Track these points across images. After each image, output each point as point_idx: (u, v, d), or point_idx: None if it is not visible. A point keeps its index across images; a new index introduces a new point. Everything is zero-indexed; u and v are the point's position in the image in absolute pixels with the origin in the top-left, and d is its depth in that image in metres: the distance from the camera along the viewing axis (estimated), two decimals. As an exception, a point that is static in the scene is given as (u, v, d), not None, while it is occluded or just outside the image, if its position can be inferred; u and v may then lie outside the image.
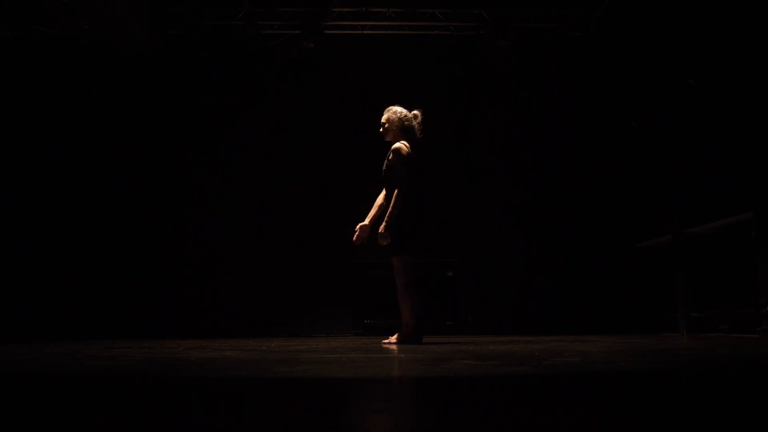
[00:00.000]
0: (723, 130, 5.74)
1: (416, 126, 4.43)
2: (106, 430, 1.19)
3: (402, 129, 4.40)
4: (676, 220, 5.94)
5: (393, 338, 4.33)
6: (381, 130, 4.48)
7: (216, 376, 2.15)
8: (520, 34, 7.33)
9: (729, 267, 5.68)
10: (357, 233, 4.40)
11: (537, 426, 1.20)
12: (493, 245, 7.35)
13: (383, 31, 7.47)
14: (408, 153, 4.30)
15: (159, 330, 6.58)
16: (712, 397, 1.60)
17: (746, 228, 4.97)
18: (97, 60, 7.40)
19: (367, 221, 4.44)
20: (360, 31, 7.43)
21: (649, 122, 6.49)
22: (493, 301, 7.17)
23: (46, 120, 7.39)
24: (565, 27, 7.49)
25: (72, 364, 2.66)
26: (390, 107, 4.50)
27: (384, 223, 4.20)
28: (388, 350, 3.57)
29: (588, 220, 7.39)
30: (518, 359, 2.68)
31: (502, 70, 7.53)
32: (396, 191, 4.22)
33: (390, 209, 4.21)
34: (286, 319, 7.00)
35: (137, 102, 7.53)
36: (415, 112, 4.46)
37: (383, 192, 4.49)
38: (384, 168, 4.39)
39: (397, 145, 4.33)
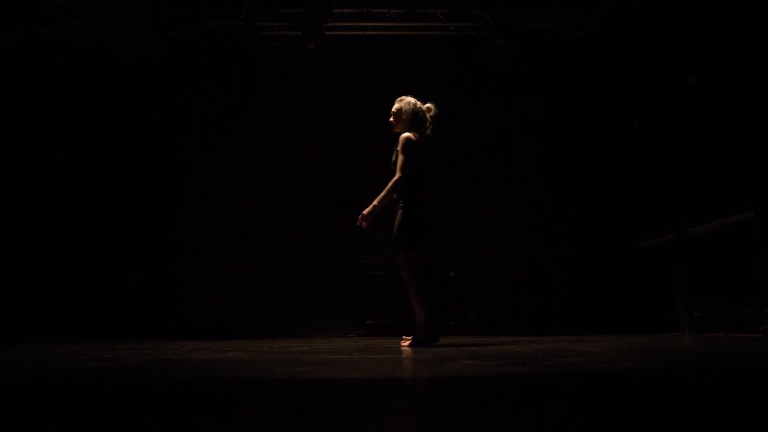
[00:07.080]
0: (724, 128, 5.74)
1: (428, 119, 4.26)
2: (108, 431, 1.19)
3: (413, 120, 4.22)
4: (677, 219, 5.94)
5: (405, 343, 4.09)
6: (391, 119, 4.29)
7: (218, 377, 2.15)
8: (521, 34, 7.33)
9: (731, 266, 5.67)
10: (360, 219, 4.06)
11: (540, 426, 1.20)
12: (495, 246, 7.34)
13: (384, 32, 7.47)
14: (414, 142, 4.11)
15: (161, 331, 6.59)
16: (713, 397, 1.60)
17: (748, 227, 4.97)
18: (97, 62, 7.41)
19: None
20: (361, 32, 7.44)
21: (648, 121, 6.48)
22: (495, 302, 7.16)
23: (47, 121, 7.40)
24: (566, 27, 7.49)
25: (74, 366, 2.66)
26: (402, 97, 4.31)
27: (372, 206, 3.99)
28: (390, 351, 3.56)
29: (590, 220, 7.39)
30: (520, 359, 2.68)
31: (503, 70, 7.52)
32: (395, 177, 4.03)
33: (384, 192, 4.00)
34: (288, 320, 7.00)
35: (138, 104, 7.53)
36: (429, 105, 4.31)
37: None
38: (393, 159, 4.18)
39: (404, 134, 4.13)
